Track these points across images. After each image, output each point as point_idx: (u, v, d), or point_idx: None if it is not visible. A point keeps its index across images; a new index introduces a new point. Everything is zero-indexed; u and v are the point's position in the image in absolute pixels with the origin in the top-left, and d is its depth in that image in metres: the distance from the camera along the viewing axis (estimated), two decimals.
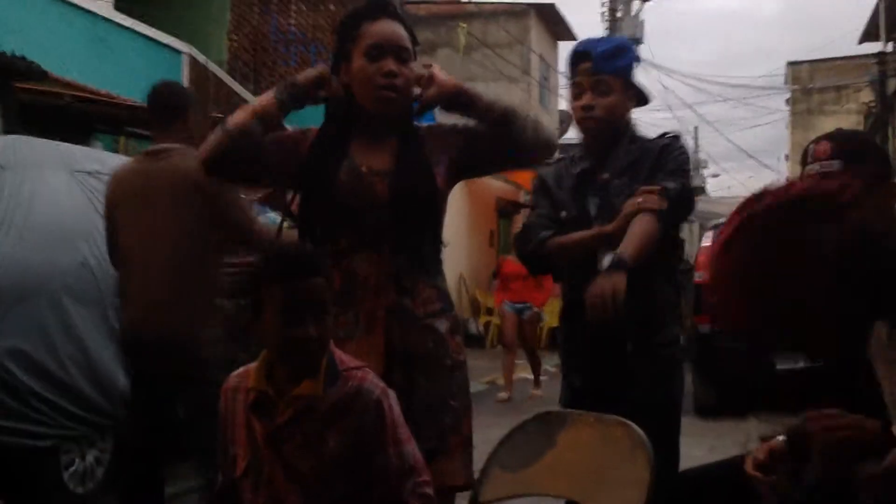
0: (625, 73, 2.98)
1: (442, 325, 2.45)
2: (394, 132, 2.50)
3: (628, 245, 2.70)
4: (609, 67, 2.94)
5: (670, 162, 2.94)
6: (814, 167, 2.42)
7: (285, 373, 2.04)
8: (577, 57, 3.00)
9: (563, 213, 3.01)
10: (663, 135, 3.08)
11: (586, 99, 2.96)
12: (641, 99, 3.07)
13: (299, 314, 1.96)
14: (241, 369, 2.15)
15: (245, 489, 2.08)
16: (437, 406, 2.39)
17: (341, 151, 2.45)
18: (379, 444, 2.01)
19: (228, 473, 2.14)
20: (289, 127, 2.61)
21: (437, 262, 2.54)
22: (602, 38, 3.22)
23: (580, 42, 3.09)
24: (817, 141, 2.43)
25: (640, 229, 2.75)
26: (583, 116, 2.98)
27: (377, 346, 2.34)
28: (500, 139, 2.49)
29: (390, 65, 2.42)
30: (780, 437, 2.46)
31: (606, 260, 2.73)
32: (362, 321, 2.37)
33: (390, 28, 2.47)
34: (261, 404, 2.06)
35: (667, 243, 2.92)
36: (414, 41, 2.53)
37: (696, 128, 37.41)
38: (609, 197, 2.92)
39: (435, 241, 2.52)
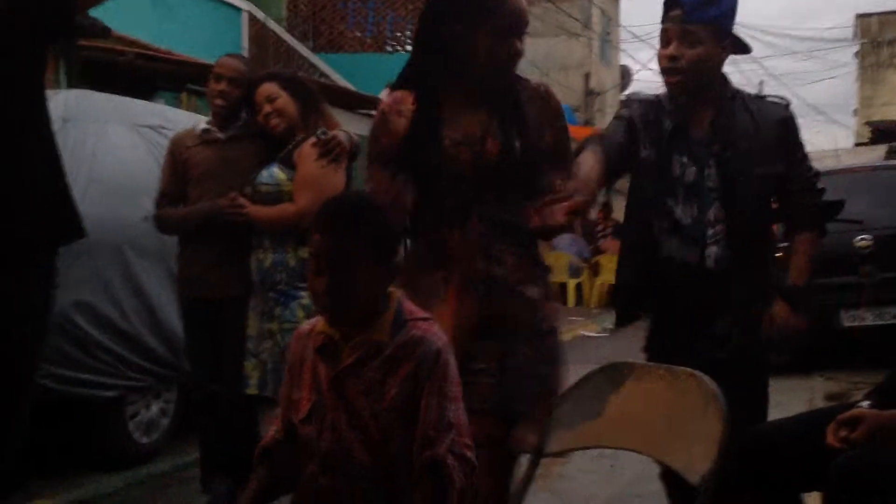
0: (718, 23, 2.79)
1: (534, 292, 2.45)
2: (488, 101, 2.45)
3: (800, 275, 2.85)
4: (700, 16, 2.75)
5: (798, 149, 2.88)
6: None
7: (340, 324, 2.03)
8: (669, 2, 2.82)
9: (645, 153, 2.89)
10: (764, 96, 2.99)
11: (672, 48, 2.78)
12: (740, 48, 2.89)
13: (316, 267, 1.98)
14: (314, 318, 2.16)
15: (308, 433, 2.07)
16: (528, 372, 2.39)
17: (437, 125, 2.41)
18: (424, 391, 1.98)
19: (289, 418, 2.13)
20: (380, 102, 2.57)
21: (527, 228, 2.47)
22: None
23: None
24: None
25: (806, 256, 2.87)
26: (667, 67, 2.82)
27: (467, 314, 2.33)
28: None
29: (518, 45, 2.42)
30: (864, 404, 2.41)
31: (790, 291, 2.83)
32: (449, 288, 2.37)
33: (521, 6, 2.43)
34: (327, 348, 2.06)
35: (770, 226, 2.92)
36: None
37: (761, 82, 36.62)
38: (721, 167, 2.80)
39: (526, 199, 2.46)
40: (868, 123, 21.93)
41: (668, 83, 2.87)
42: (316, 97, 3.89)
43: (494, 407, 2.32)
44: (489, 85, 2.44)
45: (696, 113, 2.85)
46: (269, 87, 3.78)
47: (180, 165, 3.94)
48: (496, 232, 2.41)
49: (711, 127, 2.83)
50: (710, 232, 2.80)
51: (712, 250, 2.79)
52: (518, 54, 2.42)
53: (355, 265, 1.97)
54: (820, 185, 2.94)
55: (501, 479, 2.34)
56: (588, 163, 2.59)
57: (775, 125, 2.84)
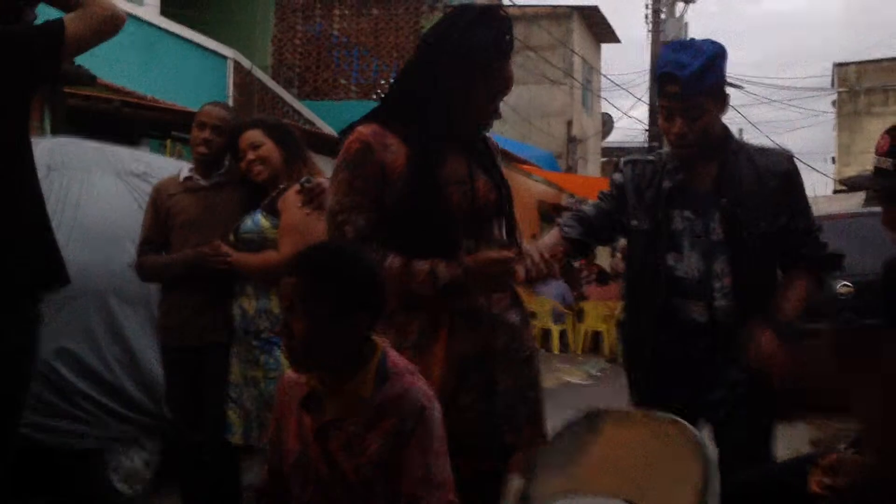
0: (717, 88, 2.80)
1: (515, 317, 2.47)
2: (464, 147, 2.50)
3: (789, 311, 2.82)
4: (699, 89, 2.75)
5: (801, 200, 2.90)
6: (872, 160, 2.42)
7: (320, 372, 2.04)
8: (664, 78, 2.80)
9: (635, 223, 2.94)
10: (767, 148, 3.02)
11: (678, 127, 2.79)
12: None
13: (287, 310, 2.00)
14: None
15: (294, 483, 2.07)
16: (517, 400, 2.41)
17: (437, 168, 2.42)
18: (409, 448, 1.98)
19: (277, 466, 2.13)
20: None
21: None
22: (688, 46, 2.83)
23: (666, 60, 2.82)
24: (883, 134, 2.40)
25: (798, 295, 2.85)
26: (677, 144, 2.85)
27: (458, 350, 2.33)
28: None
29: (498, 106, 2.50)
30: (841, 448, 2.43)
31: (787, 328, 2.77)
32: (439, 327, 2.36)
33: (511, 72, 2.50)
34: (311, 399, 2.06)
35: (774, 278, 2.92)
36: None
37: (740, 130, 36.97)
38: (728, 220, 2.81)
39: (508, 236, 2.55)
40: (841, 181, 22.14)
41: (679, 154, 2.89)
42: (300, 144, 3.91)
43: (483, 441, 2.32)
44: (469, 135, 2.50)
45: (699, 167, 2.87)
46: (253, 134, 3.80)
47: (163, 213, 3.94)
48: None
49: (716, 181, 2.84)
50: (717, 285, 2.80)
51: (720, 304, 2.80)
52: (499, 114, 2.53)
53: (323, 311, 1.96)
54: (823, 238, 2.94)
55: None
56: (552, 238, 2.81)
57: (779, 177, 2.86)
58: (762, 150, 2.97)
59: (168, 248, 3.92)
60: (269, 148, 3.77)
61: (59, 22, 2.57)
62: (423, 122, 2.42)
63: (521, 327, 2.48)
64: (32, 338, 2.60)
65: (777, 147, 3.08)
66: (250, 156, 3.77)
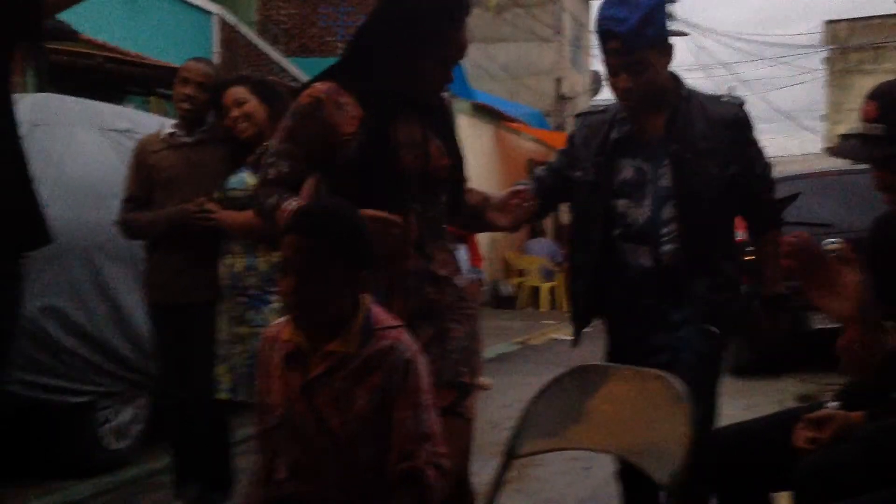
0: (659, 39, 2.77)
1: (459, 281, 2.54)
2: (420, 112, 2.50)
3: (776, 281, 2.91)
4: (640, 43, 2.72)
5: (752, 147, 2.89)
6: (859, 127, 2.39)
7: (312, 330, 2.03)
8: (604, 35, 2.78)
9: (578, 174, 2.95)
10: (719, 96, 3.02)
11: (622, 82, 2.78)
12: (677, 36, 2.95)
13: (286, 268, 1.99)
14: (281, 319, 2.15)
15: (280, 441, 2.08)
16: (468, 347, 2.47)
17: (390, 130, 2.43)
18: (398, 403, 1.99)
19: (264, 422, 2.14)
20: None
21: (445, 222, 2.60)
22: (624, 1, 2.76)
23: (603, 16, 2.78)
24: (866, 99, 2.36)
25: (776, 260, 2.83)
26: (623, 98, 2.84)
27: (399, 306, 2.35)
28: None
29: (451, 75, 2.48)
30: (832, 405, 2.44)
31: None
32: (387, 284, 2.38)
33: (466, 39, 2.47)
34: (295, 356, 2.06)
35: (730, 223, 2.92)
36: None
37: (730, 87, 36.83)
38: (676, 166, 2.80)
39: (453, 205, 2.57)
40: (829, 151, 22.15)
41: (625, 106, 2.89)
42: (285, 101, 3.87)
43: (442, 379, 2.33)
44: (423, 99, 2.50)
45: (649, 117, 2.86)
46: (237, 91, 3.76)
47: (146, 170, 3.91)
48: (429, 230, 2.47)
49: (666, 128, 2.84)
50: (664, 231, 2.81)
51: (666, 248, 2.81)
52: (451, 79, 2.51)
53: (325, 268, 1.97)
54: (771, 178, 2.96)
55: (459, 444, 2.36)
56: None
57: (729, 124, 2.85)
58: (713, 98, 2.96)
59: (151, 205, 3.90)
60: (253, 105, 3.74)
61: None
62: (376, 83, 2.43)
63: (465, 291, 2.56)
64: (14, 295, 2.58)
65: (730, 96, 3.07)
66: (235, 112, 3.74)
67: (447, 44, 2.40)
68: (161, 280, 3.86)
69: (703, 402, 2.60)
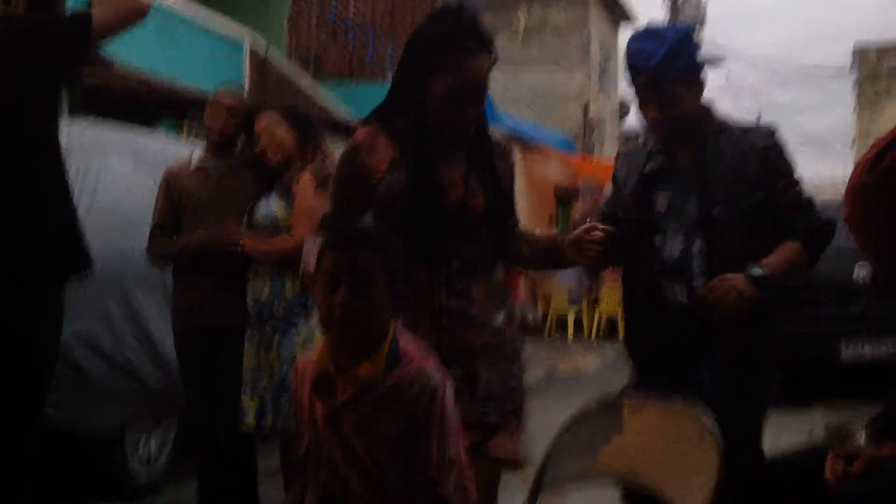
0: (689, 71, 2.77)
1: (497, 318, 2.50)
2: (463, 145, 2.49)
3: (777, 265, 2.71)
4: (668, 76, 2.72)
5: (783, 175, 2.82)
6: None
7: (347, 352, 2.04)
8: (631, 70, 2.79)
9: (620, 213, 2.94)
10: (751, 127, 2.98)
11: (652, 113, 2.78)
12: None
13: (336, 281, 1.98)
14: (311, 350, 2.17)
15: (307, 468, 2.09)
16: (500, 390, 2.44)
17: (431, 169, 2.44)
18: (424, 431, 1.99)
19: (295, 451, 2.15)
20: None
21: (493, 262, 2.57)
22: (652, 34, 2.79)
23: (630, 51, 2.80)
24: None
25: (789, 256, 2.75)
26: (654, 128, 2.85)
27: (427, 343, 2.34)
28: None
29: (470, 111, 2.41)
30: (859, 436, 2.42)
31: (755, 270, 2.67)
32: (414, 323, 2.37)
33: (482, 68, 2.41)
34: (323, 382, 2.07)
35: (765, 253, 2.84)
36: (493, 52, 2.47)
37: (760, 112, 36.74)
38: (705, 199, 2.78)
39: (496, 245, 2.55)
40: None
41: (657, 138, 2.89)
42: (314, 128, 3.91)
43: (470, 422, 2.33)
44: (453, 135, 2.47)
45: (681, 148, 2.85)
46: (268, 117, 3.80)
47: (175, 196, 3.96)
48: (466, 270, 2.46)
49: (696, 160, 2.83)
50: (696, 265, 2.79)
51: (698, 283, 2.77)
52: (470, 120, 2.44)
53: (373, 282, 1.99)
54: (815, 208, 2.87)
55: (484, 485, 2.35)
56: None
57: (759, 152, 2.82)
58: (745, 129, 2.93)
59: (180, 231, 3.94)
60: (283, 131, 3.78)
61: (87, 11, 2.63)
62: (408, 120, 2.45)
63: (502, 327, 2.52)
64: (58, 324, 2.63)
65: (764, 125, 3.04)
66: (265, 139, 3.78)
67: (455, 73, 2.37)
68: (189, 304, 3.89)
69: (738, 435, 2.58)
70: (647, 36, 2.78)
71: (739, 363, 2.77)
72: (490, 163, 2.54)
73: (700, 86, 2.84)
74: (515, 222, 2.64)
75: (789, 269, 2.79)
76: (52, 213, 2.60)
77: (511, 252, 2.60)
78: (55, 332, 2.63)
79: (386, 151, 2.44)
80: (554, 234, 2.72)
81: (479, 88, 2.42)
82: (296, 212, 3.67)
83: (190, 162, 4.03)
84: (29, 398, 2.57)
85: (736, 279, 2.65)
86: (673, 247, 2.82)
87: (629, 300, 3.02)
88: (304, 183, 3.67)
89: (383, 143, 2.46)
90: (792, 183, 2.87)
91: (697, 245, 2.79)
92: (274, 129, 3.78)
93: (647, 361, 2.94)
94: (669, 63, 2.71)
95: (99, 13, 2.61)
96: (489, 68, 2.44)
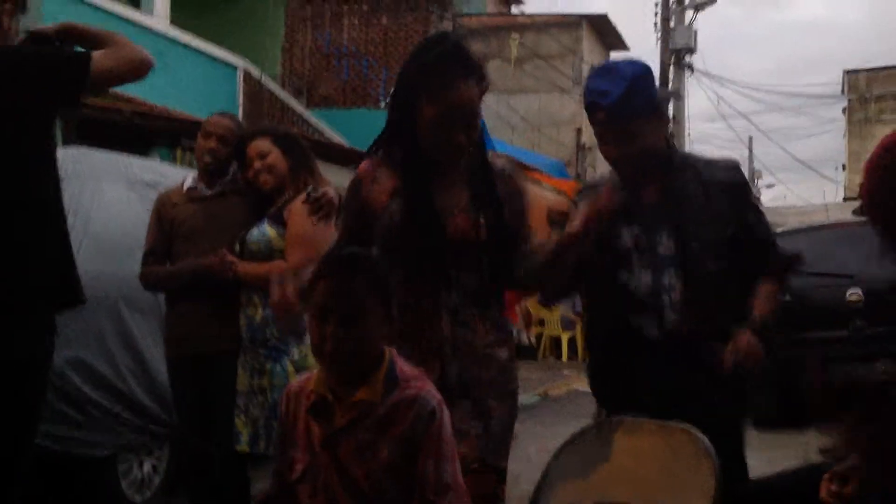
0: (648, 107, 2.74)
1: (502, 354, 2.50)
2: (463, 173, 2.50)
3: (763, 308, 2.75)
4: (626, 115, 2.69)
5: (750, 211, 2.86)
6: None
7: (344, 378, 2.04)
8: (589, 108, 2.78)
9: (581, 249, 2.92)
10: (714, 160, 2.96)
11: (613, 151, 2.77)
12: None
13: (327, 313, 1.99)
14: (305, 374, 2.17)
15: (302, 493, 2.08)
16: (506, 430, 2.47)
17: (430, 196, 2.45)
18: (422, 453, 2.00)
19: (284, 476, 2.14)
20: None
21: (497, 294, 2.56)
22: (609, 71, 2.78)
23: (589, 89, 2.77)
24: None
25: (767, 296, 2.79)
26: (614, 166, 2.84)
27: (433, 377, 2.34)
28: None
29: (461, 138, 2.42)
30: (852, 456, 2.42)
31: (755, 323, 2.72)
32: (419, 353, 2.39)
33: (470, 95, 2.42)
34: (320, 408, 2.07)
35: (736, 286, 2.85)
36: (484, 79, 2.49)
37: (750, 138, 36.85)
38: (678, 233, 2.77)
39: (498, 275, 2.53)
40: (854, 212, 22.13)
41: (618, 174, 2.87)
42: (307, 154, 3.91)
43: (485, 462, 2.33)
44: (446, 165, 2.48)
45: (645, 183, 2.82)
46: (261, 143, 3.81)
47: (167, 223, 3.94)
48: (467, 299, 2.46)
49: (662, 195, 2.81)
50: (666, 299, 2.77)
51: (670, 317, 2.76)
52: (462, 146, 2.44)
53: (364, 312, 1.99)
54: (777, 243, 2.92)
55: None
56: None
57: (726, 188, 2.82)
58: (708, 163, 2.92)
59: (172, 257, 3.93)
60: (276, 157, 3.78)
61: (88, 54, 2.65)
62: (404, 149, 2.48)
63: (507, 364, 2.52)
64: (48, 351, 2.62)
65: (726, 159, 3.06)
66: (257, 164, 3.78)
67: (442, 99, 2.37)
68: (181, 334, 3.87)
69: (725, 455, 2.58)
70: (604, 72, 2.78)
71: (722, 389, 2.76)
72: (492, 190, 2.52)
73: (661, 121, 2.84)
74: (526, 250, 2.58)
75: (776, 310, 2.82)
76: (49, 243, 2.61)
77: (515, 279, 2.58)
78: (47, 358, 2.63)
79: (387, 182, 2.46)
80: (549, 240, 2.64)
81: (467, 114, 2.42)
82: (289, 237, 3.67)
83: (182, 188, 4.02)
84: (21, 425, 2.57)
85: (750, 338, 2.67)
86: (641, 281, 2.79)
87: (593, 334, 3.02)
88: (298, 209, 3.67)
89: (385, 174, 2.48)
90: (761, 217, 2.90)
91: (668, 280, 2.78)
92: (267, 154, 3.78)
93: (615, 394, 2.90)
94: (628, 100, 2.68)
95: (100, 58, 2.63)
96: (480, 95, 2.45)
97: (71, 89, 2.64)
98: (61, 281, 2.65)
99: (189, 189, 3.98)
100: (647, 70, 2.80)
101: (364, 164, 2.53)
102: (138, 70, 2.72)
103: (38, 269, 2.56)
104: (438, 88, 2.38)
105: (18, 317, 2.52)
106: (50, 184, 2.65)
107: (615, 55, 27.20)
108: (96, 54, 2.64)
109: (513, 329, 2.62)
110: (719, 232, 2.79)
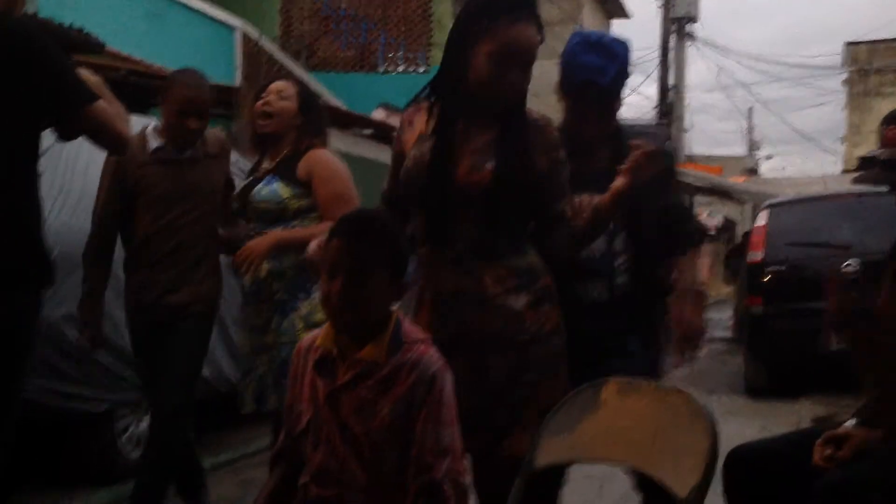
0: (624, 86, 2.86)
1: (518, 302, 2.41)
2: (498, 119, 2.45)
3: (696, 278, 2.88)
4: (617, 92, 2.82)
5: (680, 191, 3.05)
6: (884, 152, 2.42)
7: (349, 335, 2.07)
8: (585, 85, 2.81)
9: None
10: (637, 126, 3.08)
11: (592, 128, 2.83)
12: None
13: (336, 270, 2.01)
14: (315, 330, 2.19)
15: (306, 445, 2.11)
16: (508, 383, 2.40)
17: (451, 146, 2.42)
18: (420, 416, 2.02)
19: (291, 430, 2.17)
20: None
21: (515, 241, 2.47)
22: (601, 48, 2.82)
23: (584, 66, 2.83)
24: (887, 123, 2.39)
25: (693, 265, 2.89)
26: (588, 138, 2.86)
27: (424, 325, 2.34)
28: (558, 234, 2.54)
29: (514, 77, 2.40)
30: (850, 423, 2.45)
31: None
32: (416, 303, 2.40)
33: (526, 35, 2.39)
34: (325, 363, 2.10)
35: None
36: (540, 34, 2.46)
37: (750, 108, 36.82)
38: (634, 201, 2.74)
39: (514, 225, 2.47)
40: (860, 158, 22.12)
41: (574, 141, 2.83)
42: (324, 121, 3.75)
43: (477, 424, 2.31)
44: (489, 107, 2.43)
45: (594, 150, 2.85)
46: (286, 86, 3.65)
47: (130, 182, 3.68)
48: (476, 250, 2.41)
49: (611, 162, 2.76)
50: (617, 263, 2.82)
51: (620, 280, 2.81)
52: (515, 84, 2.41)
53: (371, 273, 2.01)
54: (690, 211, 3.04)
55: (493, 490, 2.36)
56: None
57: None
58: (642, 132, 2.94)
59: (131, 220, 3.71)
60: (290, 105, 3.61)
61: (95, 94, 2.64)
62: (448, 93, 2.46)
63: (522, 312, 2.41)
64: (25, 317, 2.63)
65: (652, 126, 3.12)
66: (270, 98, 3.61)
67: (498, 37, 2.35)
68: (149, 300, 3.72)
69: None
70: (597, 49, 2.79)
71: (650, 346, 2.88)
72: (517, 137, 2.44)
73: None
74: (557, 211, 2.52)
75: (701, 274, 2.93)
76: (33, 228, 2.64)
77: (543, 248, 2.51)
78: (32, 323, 2.64)
79: (420, 126, 2.46)
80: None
81: (522, 55, 2.40)
82: (327, 197, 3.49)
83: (145, 147, 3.71)
84: (6, 380, 2.59)
85: (690, 316, 2.81)
86: (594, 247, 2.80)
87: None
88: (324, 167, 3.53)
89: (420, 119, 2.48)
90: (680, 191, 3.02)
91: (618, 244, 2.82)
92: (286, 98, 3.61)
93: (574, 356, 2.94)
94: (620, 79, 2.77)
95: (101, 106, 2.63)
96: (537, 42, 2.43)
97: (63, 104, 2.61)
98: (43, 259, 2.68)
99: (158, 150, 3.70)
100: (628, 48, 2.87)
101: (408, 109, 2.55)
102: (118, 140, 2.72)
103: (25, 245, 2.60)
104: (496, 26, 2.35)
105: (6, 288, 2.54)
106: (31, 177, 2.66)
107: (616, 23, 27.05)
108: (101, 102, 2.64)
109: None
110: (659, 199, 2.84)
